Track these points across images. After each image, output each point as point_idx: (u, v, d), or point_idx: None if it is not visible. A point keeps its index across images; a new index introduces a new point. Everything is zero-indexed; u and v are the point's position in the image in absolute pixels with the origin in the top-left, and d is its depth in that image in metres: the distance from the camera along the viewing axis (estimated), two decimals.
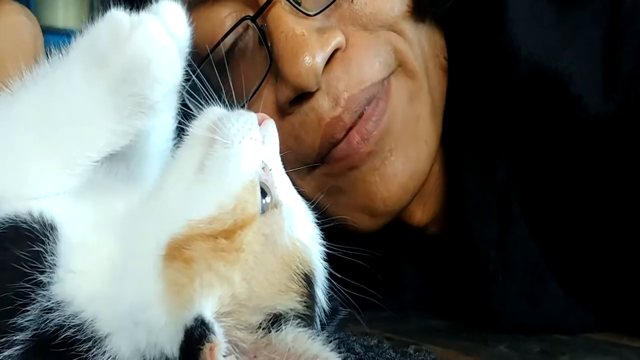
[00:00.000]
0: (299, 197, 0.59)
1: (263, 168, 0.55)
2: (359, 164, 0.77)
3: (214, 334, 0.45)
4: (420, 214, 0.88)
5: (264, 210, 0.52)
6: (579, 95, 0.74)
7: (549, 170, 0.79)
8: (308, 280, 0.53)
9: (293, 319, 0.50)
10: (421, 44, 0.79)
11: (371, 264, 0.68)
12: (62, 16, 2.30)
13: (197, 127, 0.56)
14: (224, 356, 0.46)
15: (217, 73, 0.69)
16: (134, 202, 0.54)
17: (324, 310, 0.56)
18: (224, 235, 0.49)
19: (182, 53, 0.54)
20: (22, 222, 0.47)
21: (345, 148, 0.76)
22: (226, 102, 0.59)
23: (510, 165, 0.81)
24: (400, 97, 0.77)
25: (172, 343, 0.46)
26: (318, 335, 0.49)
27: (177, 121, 0.60)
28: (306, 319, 0.51)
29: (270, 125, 0.58)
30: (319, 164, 0.78)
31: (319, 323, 0.55)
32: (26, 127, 0.49)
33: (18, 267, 0.45)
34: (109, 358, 0.47)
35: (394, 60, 0.77)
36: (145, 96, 0.48)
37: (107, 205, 0.53)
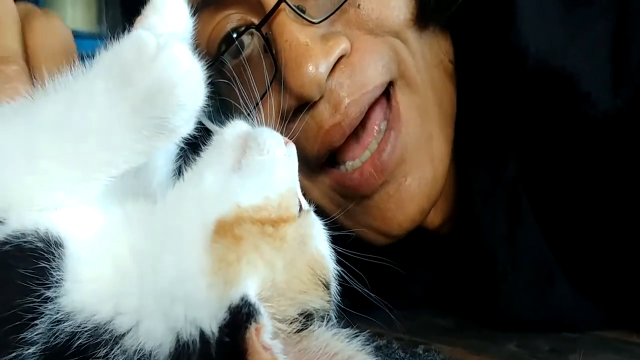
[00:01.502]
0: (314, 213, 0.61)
1: None
2: (371, 194, 0.77)
3: (260, 314, 0.46)
4: (433, 215, 0.88)
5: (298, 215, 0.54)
6: (588, 92, 0.74)
7: (558, 167, 0.79)
8: (327, 288, 0.54)
9: (327, 321, 0.51)
10: (424, 55, 0.79)
11: (380, 262, 0.68)
12: (70, 18, 2.31)
13: (228, 135, 0.57)
14: (271, 339, 0.46)
15: (223, 80, 0.69)
16: (149, 202, 0.54)
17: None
18: (270, 223, 0.50)
19: (186, 44, 0.53)
20: (26, 242, 0.47)
21: (359, 178, 0.76)
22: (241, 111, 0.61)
23: (520, 162, 0.81)
24: (411, 119, 0.78)
25: (212, 320, 0.46)
26: (356, 337, 0.49)
27: None
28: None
29: (292, 148, 0.60)
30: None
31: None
32: (44, 136, 0.49)
33: (23, 284, 0.45)
34: (134, 351, 0.47)
35: (396, 67, 0.77)
36: (168, 120, 0.48)
37: (118, 210, 0.53)
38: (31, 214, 0.48)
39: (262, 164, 0.54)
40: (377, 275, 0.65)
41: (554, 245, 0.82)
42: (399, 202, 0.78)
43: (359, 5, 0.75)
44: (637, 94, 0.72)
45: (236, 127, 0.58)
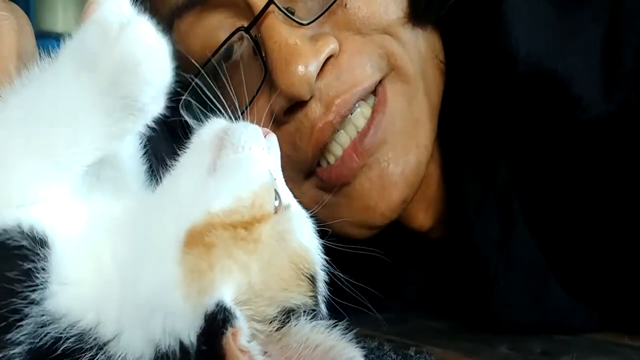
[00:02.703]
0: (299, 205, 0.59)
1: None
2: (352, 179, 0.77)
3: (236, 318, 0.46)
4: (423, 218, 0.88)
5: (275, 210, 0.53)
6: (579, 97, 0.74)
7: (550, 170, 0.79)
8: (312, 281, 0.53)
9: (307, 313, 0.50)
10: (418, 47, 0.79)
11: (372, 264, 0.68)
12: (62, 20, 2.30)
13: (205, 134, 0.56)
14: (248, 342, 0.46)
15: (212, 83, 0.69)
16: (131, 201, 0.54)
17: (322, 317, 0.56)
18: (243, 226, 0.49)
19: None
20: (10, 240, 0.46)
21: (339, 165, 0.76)
22: (227, 113, 0.60)
23: (511, 166, 0.81)
24: (397, 104, 0.77)
25: (190, 330, 0.46)
26: (335, 327, 0.49)
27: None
28: (312, 314, 0.51)
29: (273, 138, 0.59)
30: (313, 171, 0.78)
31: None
32: (15, 131, 0.48)
33: (8, 286, 0.45)
34: (118, 358, 0.47)
35: (386, 64, 0.77)
36: (136, 98, 0.48)
37: (100, 208, 0.53)
38: (11, 211, 0.47)
39: (237, 163, 0.53)
40: (369, 278, 0.65)
41: (546, 249, 0.82)
42: (381, 189, 0.77)
43: (345, 5, 0.75)
44: (629, 96, 0.72)
45: (213, 125, 0.57)
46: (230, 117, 0.59)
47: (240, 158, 0.54)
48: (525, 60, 0.76)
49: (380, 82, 0.77)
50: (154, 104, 0.50)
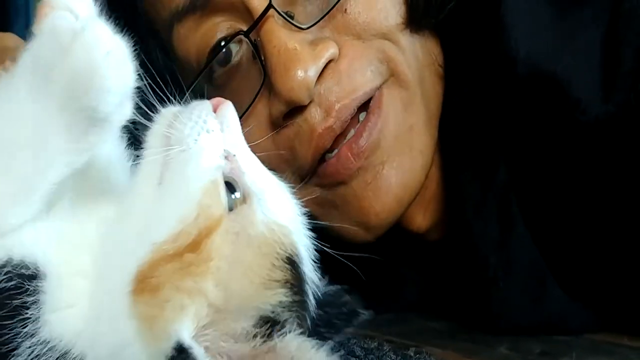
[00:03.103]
0: (271, 175, 0.57)
1: (226, 157, 0.53)
2: (348, 179, 0.77)
3: (195, 355, 0.44)
4: (421, 220, 0.88)
5: (231, 207, 0.50)
6: (579, 99, 0.74)
7: (549, 172, 0.79)
8: (292, 262, 0.51)
9: (295, 328, 0.48)
10: (416, 53, 0.79)
11: (371, 265, 0.68)
12: None
13: (152, 137, 0.53)
14: None
15: (212, 87, 0.69)
16: (107, 220, 0.51)
17: (318, 288, 0.54)
18: (190, 249, 0.46)
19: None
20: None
21: (335, 163, 0.76)
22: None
23: (510, 167, 0.81)
24: (392, 109, 0.77)
25: None
26: (322, 345, 0.47)
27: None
28: (298, 305, 0.50)
29: (227, 109, 0.55)
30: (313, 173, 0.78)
31: (313, 301, 0.53)
32: None
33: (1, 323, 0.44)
34: None
35: (386, 69, 0.77)
36: (96, 109, 0.44)
37: (83, 226, 0.51)
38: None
39: (185, 164, 0.50)
40: (369, 279, 0.65)
41: (545, 249, 0.82)
42: (376, 190, 0.77)
43: (345, 9, 0.75)
44: (628, 97, 0.72)
45: (162, 120, 0.53)
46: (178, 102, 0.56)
47: (186, 157, 0.50)
48: (525, 61, 0.76)
49: (380, 86, 0.77)
50: (118, 112, 0.46)
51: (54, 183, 0.47)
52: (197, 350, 0.44)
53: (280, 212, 0.53)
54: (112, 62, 0.44)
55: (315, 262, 0.55)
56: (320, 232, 0.58)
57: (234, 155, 0.53)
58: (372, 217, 0.78)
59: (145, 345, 0.45)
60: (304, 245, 0.54)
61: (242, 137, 0.56)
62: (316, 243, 0.57)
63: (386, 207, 0.78)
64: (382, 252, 0.80)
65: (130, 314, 0.45)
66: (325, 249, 0.57)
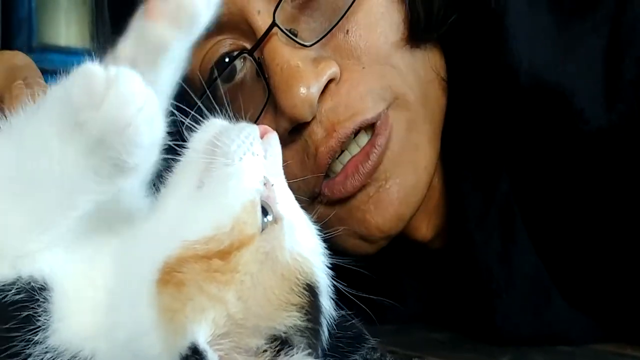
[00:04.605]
0: (300, 210, 0.58)
1: (265, 184, 0.54)
2: (353, 194, 0.77)
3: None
4: (425, 229, 0.88)
5: (263, 228, 0.51)
6: (582, 108, 0.74)
7: (552, 182, 0.79)
8: (311, 289, 0.51)
9: (303, 348, 0.48)
10: (417, 71, 0.79)
11: (374, 275, 0.68)
12: (64, 34, 2.31)
13: (197, 142, 0.54)
14: None
15: (216, 105, 0.69)
16: (126, 228, 0.52)
17: (334, 320, 0.55)
18: (219, 255, 0.47)
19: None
20: (6, 296, 0.45)
21: (341, 181, 0.76)
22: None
23: (512, 178, 0.81)
24: (398, 130, 0.77)
25: None
26: None
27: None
28: (311, 332, 0.50)
29: (273, 138, 0.57)
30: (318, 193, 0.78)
31: (326, 332, 0.54)
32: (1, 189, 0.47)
33: (8, 335, 0.45)
34: None
35: (389, 93, 0.77)
36: (125, 161, 0.45)
37: (98, 238, 0.51)
38: (8, 262, 0.47)
39: (226, 178, 0.51)
40: (371, 289, 0.65)
41: (548, 260, 0.82)
42: (378, 203, 0.77)
43: (347, 31, 0.75)
44: (631, 106, 0.73)
45: (208, 130, 0.54)
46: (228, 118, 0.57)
47: (229, 172, 0.51)
48: (528, 72, 0.76)
49: (385, 109, 0.77)
50: (146, 161, 0.47)
51: (75, 217, 0.48)
52: (211, 355, 0.45)
53: (304, 246, 0.53)
54: (144, 118, 0.45)
55: (332, 299, 0.56)
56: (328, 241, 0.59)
57: (272, 185, 0.54)
58: (373, 230, 0.78)
59: (161, 337, 0.45)
60: (323, 281, 0.54)
61: (282, 170, 0.57)
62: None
63: (388, 220, 0.78)
64: (385, 261, 0.80)
65: (152, 302, 0.46)
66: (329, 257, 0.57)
